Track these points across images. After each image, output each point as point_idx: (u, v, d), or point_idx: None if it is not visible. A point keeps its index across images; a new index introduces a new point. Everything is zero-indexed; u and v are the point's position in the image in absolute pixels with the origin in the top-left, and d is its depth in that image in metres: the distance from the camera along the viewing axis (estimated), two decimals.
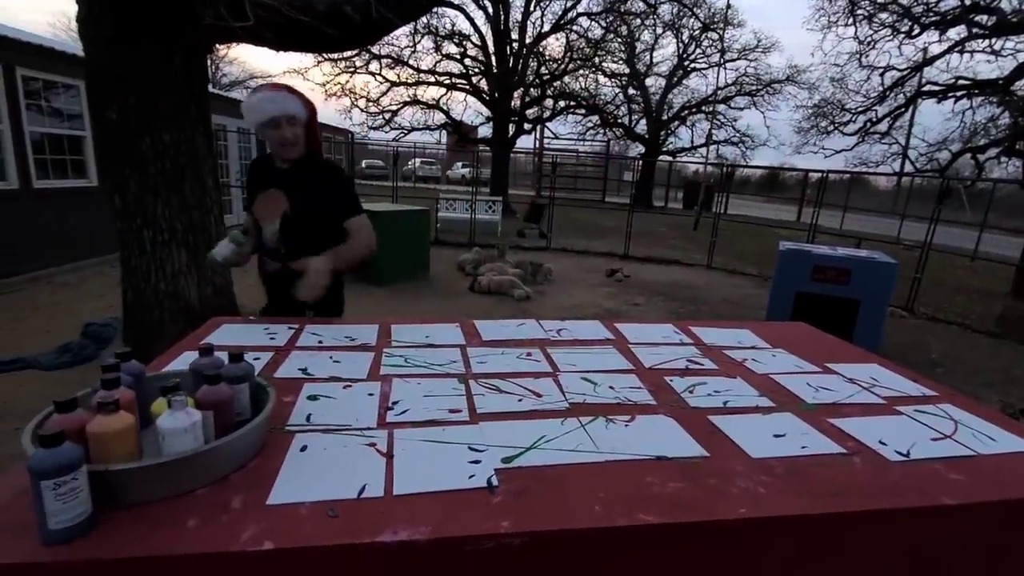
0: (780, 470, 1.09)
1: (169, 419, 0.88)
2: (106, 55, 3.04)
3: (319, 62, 14.15)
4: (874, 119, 12.57)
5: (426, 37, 14.91)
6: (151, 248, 3.29)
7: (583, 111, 18.23)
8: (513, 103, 15.66)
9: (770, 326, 2.19)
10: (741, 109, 21.51)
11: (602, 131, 20.27)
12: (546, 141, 21.81)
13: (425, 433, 1.16)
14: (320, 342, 1.70)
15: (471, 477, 1.00)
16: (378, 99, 15.71)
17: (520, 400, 1.36)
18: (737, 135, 21.51)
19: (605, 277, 7.48)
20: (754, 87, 20.42)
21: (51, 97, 6.43)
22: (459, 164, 33.21)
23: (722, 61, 19.51)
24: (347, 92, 15.22)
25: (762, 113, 21.91)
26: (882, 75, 11.98)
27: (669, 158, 21.59)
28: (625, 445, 1.15)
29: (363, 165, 27.60)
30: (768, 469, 1.09)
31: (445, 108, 16.01)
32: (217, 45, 3.55)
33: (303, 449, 1.07)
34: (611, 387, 1.48)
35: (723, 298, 6.74)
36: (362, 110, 15.63)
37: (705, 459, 1.13)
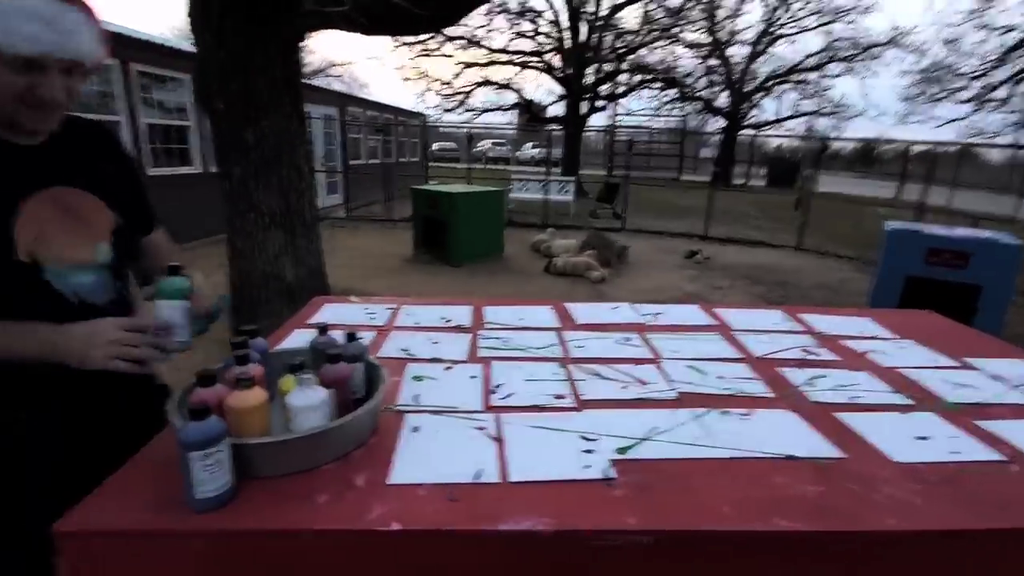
0: (932, 477, 0.98)
1: (300, 396, 0.91)
2: (213, 46, 3.22)
3: (396, 47, 14.43)
4: (992, 85, 11.16)
5: (499, 16, 14.80)
6: (253, 231, 3.49)
7: (660, 85, 17.49)
8: (586, 79, 15.28)
9: (893, 314, 1.99)
10: (834, 77, 19.81)
11: (679, 106, 19.40)
12: (618, 118, 21.18)
13: (532, 419, 1.14)
14: (417, 323, 1.73)
15: (586, 467, 0.97)
16: (451, 81, 15.85)
17: (624, 387, 1.31)
18: (829, 105, 19.88)
19: (684, 259, 7.19)
20: (850, 52, 18.71)
21: (158, 90, 6.97)
22: (529, 144, 33.04)
23: (814, 25, 17.98)
24: (422, 76, 15.46)
25: (859, 81, 20.07)
26: (1002, 35, 10.57)
27: (752, 132, 20.34)
28: (747, 441, 1.08)
29: (435, 148, 28.11)
30: (917, 475, 0.98)
31: (517, 88, 15.90)
32: (310, 32, 3.67)
33: (415, 430, 1.08)
34: (720, 377, 1.39)
35: (816, 283, 6.29)
36: (436, 93, 15.84)
37: (840, 461, 1.03)
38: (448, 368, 1.39)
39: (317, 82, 17.52)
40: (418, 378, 1.33)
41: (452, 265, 6.33)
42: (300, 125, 3.62)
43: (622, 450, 1.03)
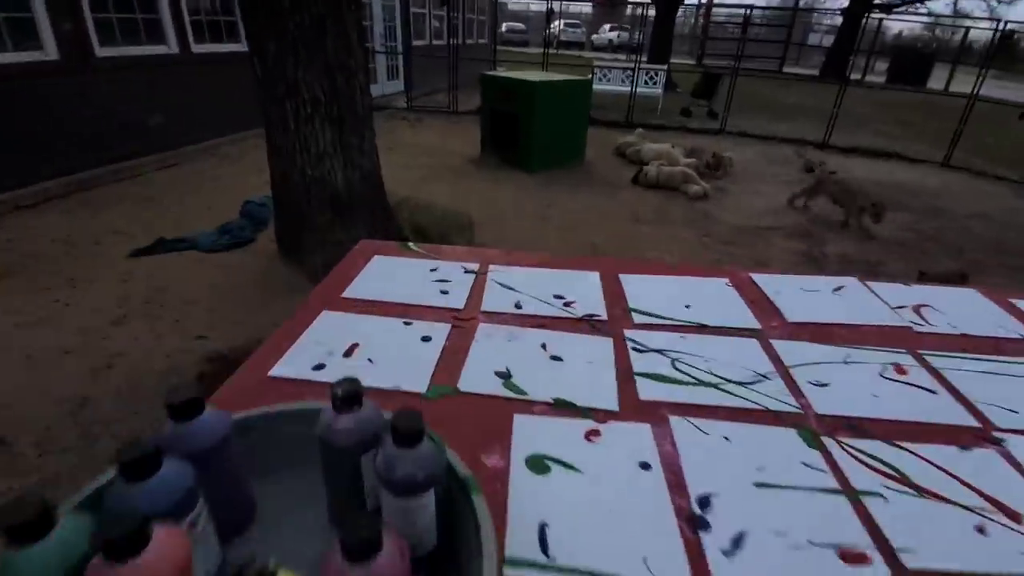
0: None
1: None
2: None
3: None
4: None
5: None
6: (294, 124, 2.82)
7: None
8: None
9: None
10: None
11: None
12: None
13: None
14: (517, 305, 1.05)
15: None
16: None
17: (981, 531, 0.61)
18: None
19: (803, 172, 6.00)
20: None
21: None
22: (606, 27, 29.69)
23: None
24: None
25: None
26: None
27: (882, 15, 16.95)
28: None
29: (503, 29, 25.68)
30: None
31: None
32: None
33: None
34: None
35: (973, 211, 5.05)
36: None
37: None
38: (593, 436, 0.73)
39: None
40: (539, 464, 0.68)
41: (525, 171, 5.50)
42: None
43: None
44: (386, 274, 1.15)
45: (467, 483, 0.52)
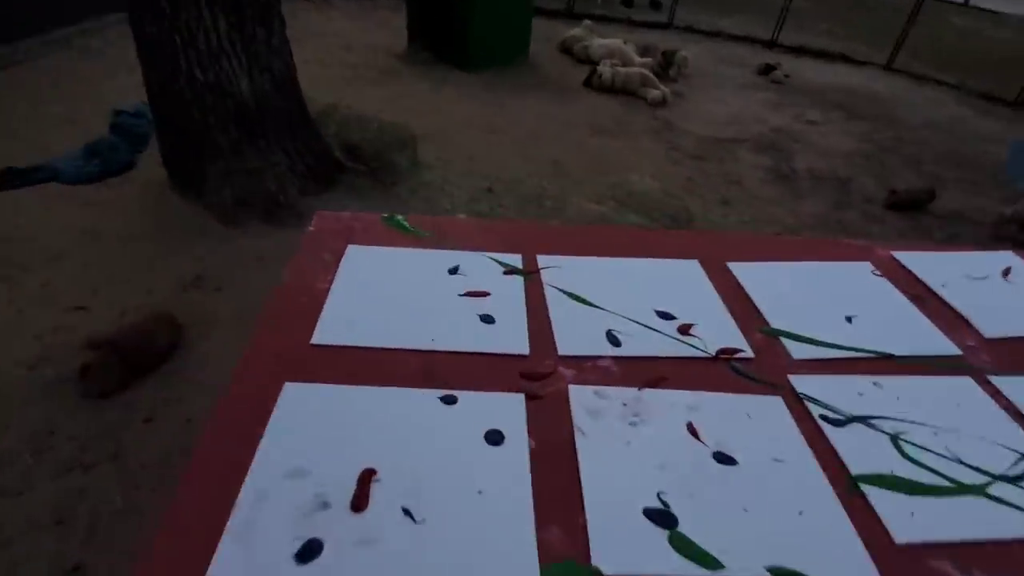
0: None
1: None
2: None
3: None
4: None
5: None
6: (171, 8, 2.05)
7: None
8: None
9: None
10: None
11: None
12: None
13: None
14: (611, 338, 0.65)
15: None
16: None
17: None
18: None
19: (756, 75, 5.67)
20: None
21: None
22: None
23: None
24: None
25: None
26: None
27: None
28: None
29: None
30: None
31: None
32: None
33: None
34: None
35: (925, 120, 5.00)
36: None
37: None
38: None
39: None
40: None
41: (463, 70, 4.77)
42: None
43: None
44: (376, 283, 0.70)
45: None
